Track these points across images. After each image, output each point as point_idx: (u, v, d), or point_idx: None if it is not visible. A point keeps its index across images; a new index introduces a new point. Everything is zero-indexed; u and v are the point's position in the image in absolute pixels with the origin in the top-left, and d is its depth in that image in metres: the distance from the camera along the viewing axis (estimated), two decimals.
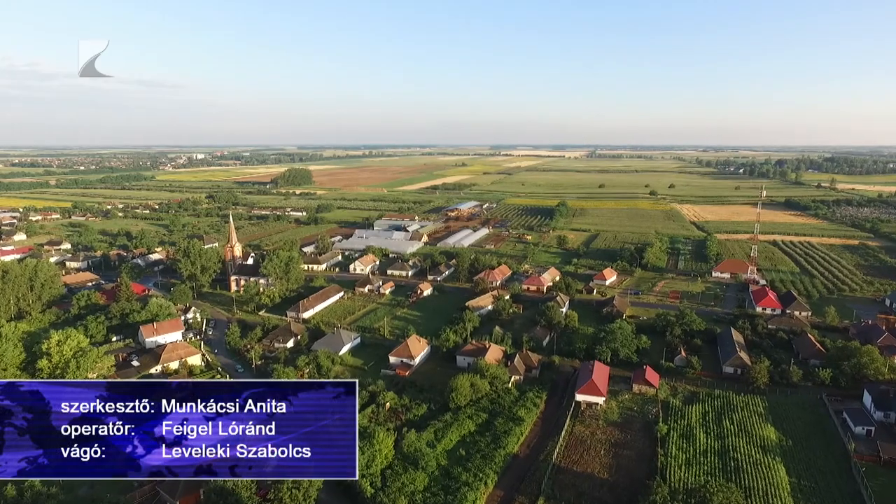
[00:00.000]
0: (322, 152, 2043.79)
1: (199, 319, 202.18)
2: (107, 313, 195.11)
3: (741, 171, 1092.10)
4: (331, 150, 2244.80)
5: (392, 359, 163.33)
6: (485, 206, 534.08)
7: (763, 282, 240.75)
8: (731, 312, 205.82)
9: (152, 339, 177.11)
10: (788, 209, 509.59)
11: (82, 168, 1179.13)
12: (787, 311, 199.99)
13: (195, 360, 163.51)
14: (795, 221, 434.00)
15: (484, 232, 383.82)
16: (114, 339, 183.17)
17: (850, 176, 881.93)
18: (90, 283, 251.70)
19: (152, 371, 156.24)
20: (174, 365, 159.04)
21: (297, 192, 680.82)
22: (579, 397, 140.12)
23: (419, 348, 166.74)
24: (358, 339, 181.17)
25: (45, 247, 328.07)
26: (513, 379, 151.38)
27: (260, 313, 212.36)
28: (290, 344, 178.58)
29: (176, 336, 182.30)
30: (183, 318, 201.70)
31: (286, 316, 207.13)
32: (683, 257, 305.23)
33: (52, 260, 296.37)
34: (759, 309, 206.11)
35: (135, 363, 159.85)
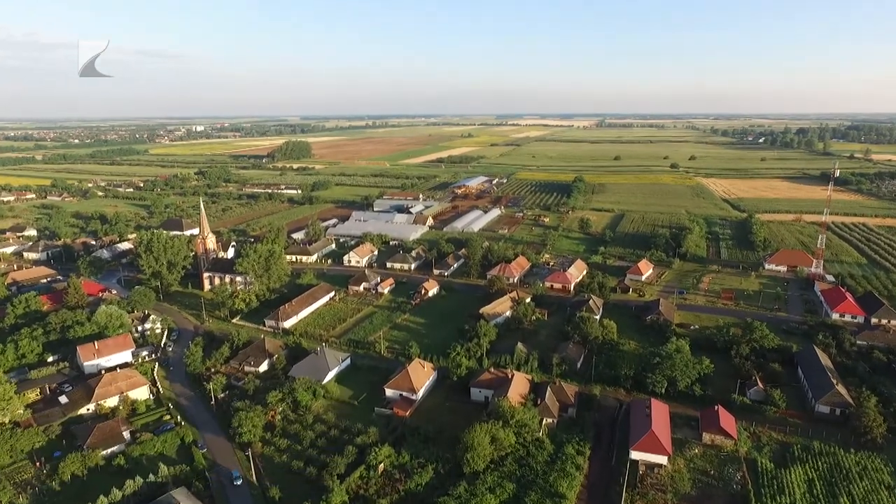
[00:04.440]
0: (325, 123, 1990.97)
1: (160, 330, 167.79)
2: (45, 325, 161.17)
3: (761, 140, 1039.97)
4: (334, 121, 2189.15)
5: (389, 392, 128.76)
6: (494, 182, 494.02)
7: (831, 278, 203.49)
8: (803, 321, 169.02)
9: (93, 362, 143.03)
10: (826, 183, 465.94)
11: (76, 142, 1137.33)
12: (874, 320, 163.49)
13: (141, 393, 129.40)
14: (839, 198, 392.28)
15: (495, 213, 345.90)
16: (50, 359, 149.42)
17: (881, 145, 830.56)
18: (44, 280, 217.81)
19: (83, 411, 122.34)
20: (112, 401, 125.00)
21: (295, 166, 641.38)
22: (636, 455, 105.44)
23: (423, 377, 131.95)
24: (348, 361, 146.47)
25: (7, 234, 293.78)
26: (544, 423, 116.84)
27: (233, 321, 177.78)
28: (264, 367, 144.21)
29: (124, 357, 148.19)
30: (140, 328, 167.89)
31: (264, 325, 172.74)
32: (725, 243, 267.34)
33: (9, 250, 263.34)
34: (835, 315, 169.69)
35: (63, 399, 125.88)
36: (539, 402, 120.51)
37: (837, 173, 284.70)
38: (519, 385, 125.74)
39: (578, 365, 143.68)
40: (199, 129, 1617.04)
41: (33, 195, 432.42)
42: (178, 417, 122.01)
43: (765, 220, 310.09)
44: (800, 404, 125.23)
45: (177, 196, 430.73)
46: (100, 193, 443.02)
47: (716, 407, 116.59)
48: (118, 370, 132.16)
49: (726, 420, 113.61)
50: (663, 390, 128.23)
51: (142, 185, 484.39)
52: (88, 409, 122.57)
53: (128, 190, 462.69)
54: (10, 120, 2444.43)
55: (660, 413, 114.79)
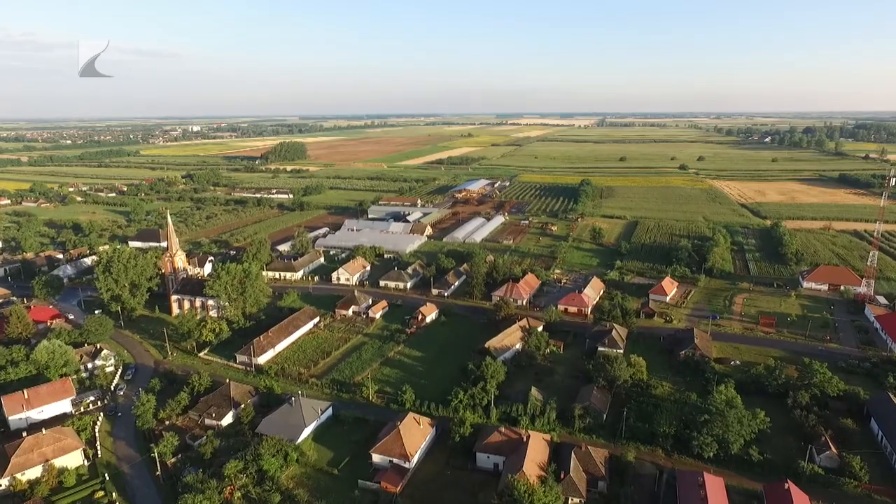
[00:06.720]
0: (323, 123, 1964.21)
1: (112, 368, 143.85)
2: None
3: (767, 139, 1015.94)
4: (332, 121, 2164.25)
5: (377, 457, 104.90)
6: (497, 185, 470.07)
7: (883, 300, 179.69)
8: (864, 356, 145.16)
9: (20, 415, 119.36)
10: (846, 186, 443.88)
11: (69, 142, 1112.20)
12: None
13: (72, 459, 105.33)
14: (862, 203, 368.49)
15: (499, 221, 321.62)
16: None
17: (894, 145, 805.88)
18: None
19: None
20: (33, 473, 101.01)
21: (289, 168, 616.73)
22: None
23: (418, 438, 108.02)
24: (329, 411, 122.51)
25: None
26: None
27: (200, 355, 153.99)
28: (228, 419, 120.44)
29: (62, 406, 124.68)
30: (89, 366, 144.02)
31: (235, 360, 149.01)
32: (752, 256, 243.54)
33: None
34: None
35: None
36: (563, 475, 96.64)
37: (894, 181, 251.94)
38: (536, 450, 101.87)
39: (605, 416, 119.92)
40: (196, 129, 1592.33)
41: (8, 201, 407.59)
42: (114, 494, 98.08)
43: (791, 227, 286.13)
44: (882, 473, 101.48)
45: (161, 201, 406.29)
46: (79, 199, 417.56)
47: (785, 483, 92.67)
48: (44, 431, 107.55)
49: (800, 502, 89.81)
50: (712, 453, 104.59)
51: (125, 189, 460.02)
52: (0, 486, 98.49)
53: (110, 195, 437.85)
54: (7, 120, 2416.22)
55: (716, 492, 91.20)
